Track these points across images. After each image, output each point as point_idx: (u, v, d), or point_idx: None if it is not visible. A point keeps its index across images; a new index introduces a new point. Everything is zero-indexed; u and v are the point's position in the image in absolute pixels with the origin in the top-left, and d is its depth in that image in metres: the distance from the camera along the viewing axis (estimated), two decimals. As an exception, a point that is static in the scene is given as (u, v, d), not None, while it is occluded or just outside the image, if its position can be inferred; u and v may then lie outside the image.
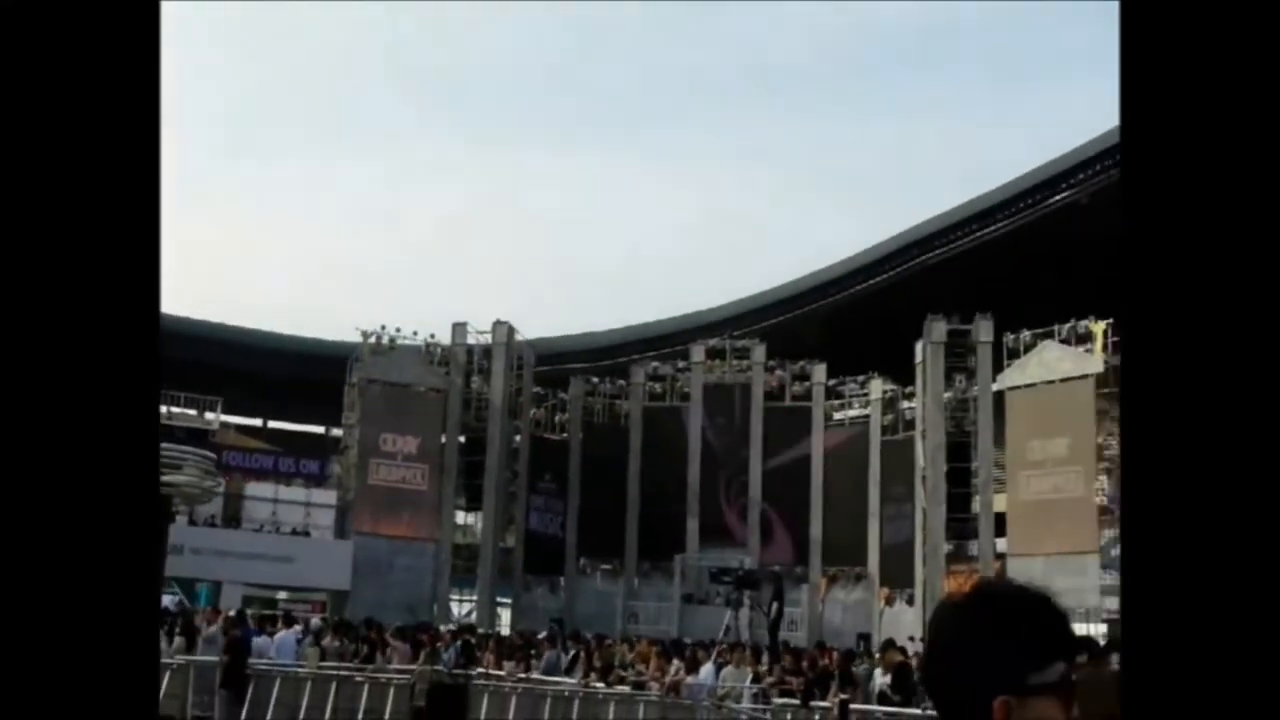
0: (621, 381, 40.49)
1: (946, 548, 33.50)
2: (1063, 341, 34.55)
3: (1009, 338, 35.38)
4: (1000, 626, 1.63)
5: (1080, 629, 25.04)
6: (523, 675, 19.48)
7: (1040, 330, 34.94)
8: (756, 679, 17.69)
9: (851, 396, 39.17)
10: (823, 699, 16.02)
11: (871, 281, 55.35)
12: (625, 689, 18.35)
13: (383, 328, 36.98)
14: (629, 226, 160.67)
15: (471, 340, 37.96)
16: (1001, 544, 34.42)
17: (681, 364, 40.62)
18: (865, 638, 30.77)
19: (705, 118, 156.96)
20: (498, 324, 37.89)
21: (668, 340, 54.07)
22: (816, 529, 37.02)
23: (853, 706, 15.44)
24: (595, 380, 40.64)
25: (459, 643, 20.89)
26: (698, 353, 40.36)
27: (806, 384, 39.20)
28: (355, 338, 37.15)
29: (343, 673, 18.39)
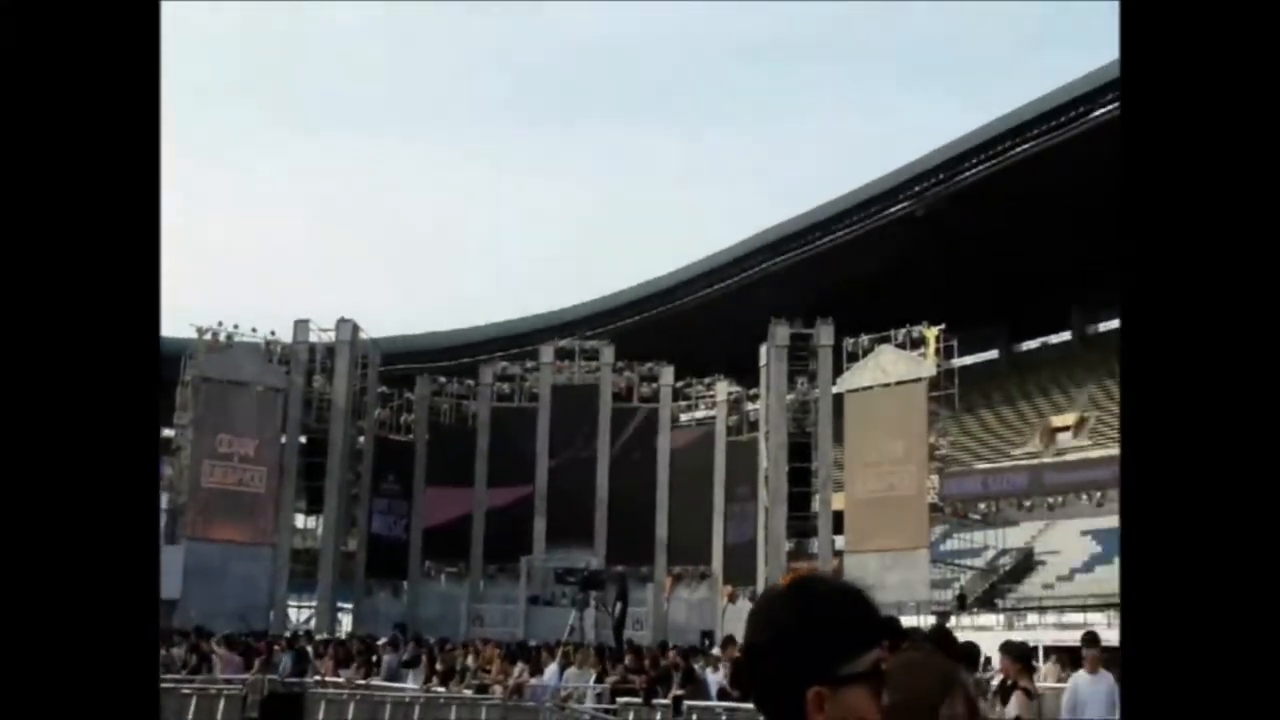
0: (469, 382, 40.10)
1: (788, 545, 34.31)
2: (898, 346, 35.79)
3: (848, 342, 36.48)
4: (815, 618, 1.66)
5: (911, 621, 26.00)
6: (361, 682, 19.09)
7: (877, 335, 36.14)
8: (600, 679, 17.75)
9: (698, 398, 39.74)
10: (665, 697, 16.19)
11: (718, 286, 56.39)
12: (468, 693, 18.19)
13: (220, 324, 35.69)
14: (478, 225, 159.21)
15: (314, 338, 36.96)
16: (840, 541, 35.48)
17: (530, 364, 40.49)
18: (709, 635, 31.22)
19: (558, 122, 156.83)
20: (342, 321, 37.03)
21: (516, 341, 53.87)
22: (662, 529, 37.42)
23: (694, 703, 15.66)
24: (442, 380, 40.14)
25: (294, 650, 20.32)
26: (547, 353, 40.31)
27: (654, 385, 39.57)
28: (189, 333, 35.72)
29: (168, 684, 17.68)
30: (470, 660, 21.05)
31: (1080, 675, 9.69)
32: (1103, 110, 45.59)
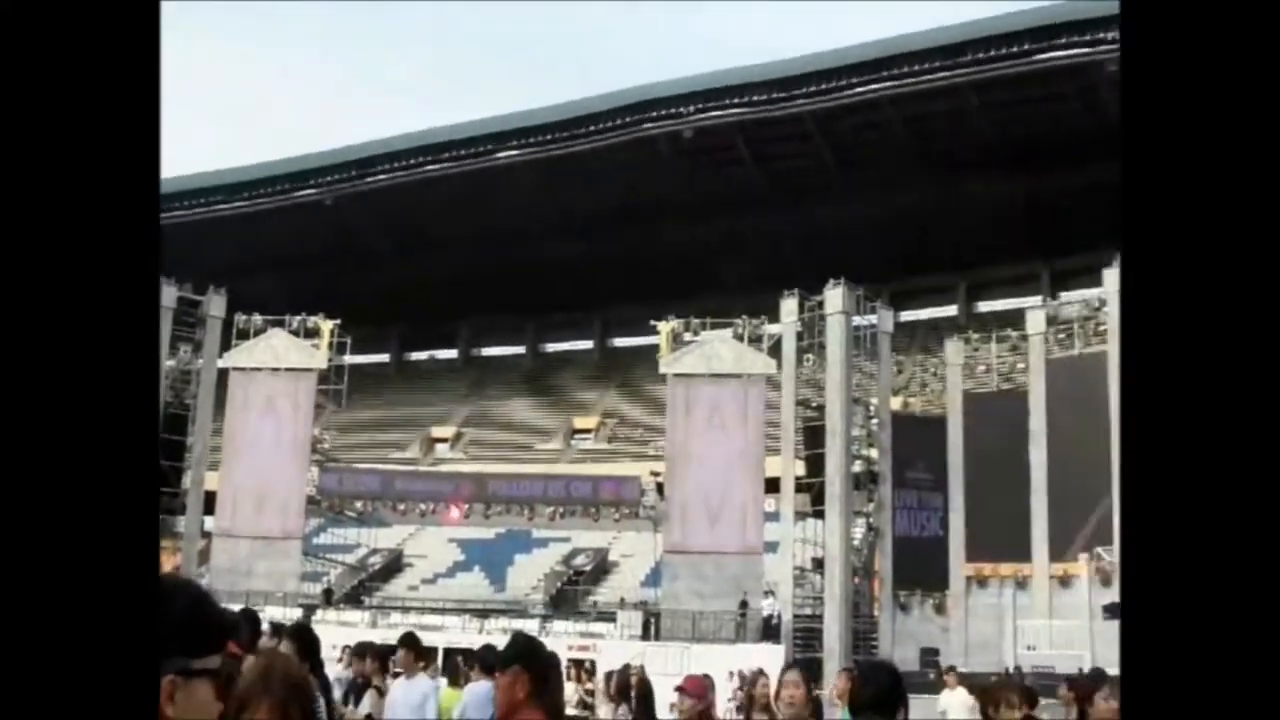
0: None
1: (152, 522, 31.91)
2: (293, 333, 35.33)
3: (240, 318, 35.22)
4: (168, 617, 1.85)
5: (278, 612, 25.70)
6: None
7: (272, 318, 35.36)
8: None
9: (64, 348, 35.49)
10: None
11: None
12: None
13: None
14: None
15: None
16: (210, 522, 33.83)
17: None
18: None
19: None
20: None
21: None
22: None
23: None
24: None
25: None
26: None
27: (12, 326, 34.60)
28: None
29: None
30: None
31: (400, 679, 8.99)
32: (509, 153, 49.60)
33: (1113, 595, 26.49)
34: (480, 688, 7.87)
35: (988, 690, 4.73)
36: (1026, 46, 44.38)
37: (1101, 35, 42.69)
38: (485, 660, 8.01)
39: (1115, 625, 24.51)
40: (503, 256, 52.71)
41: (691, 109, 49.46)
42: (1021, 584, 28.82)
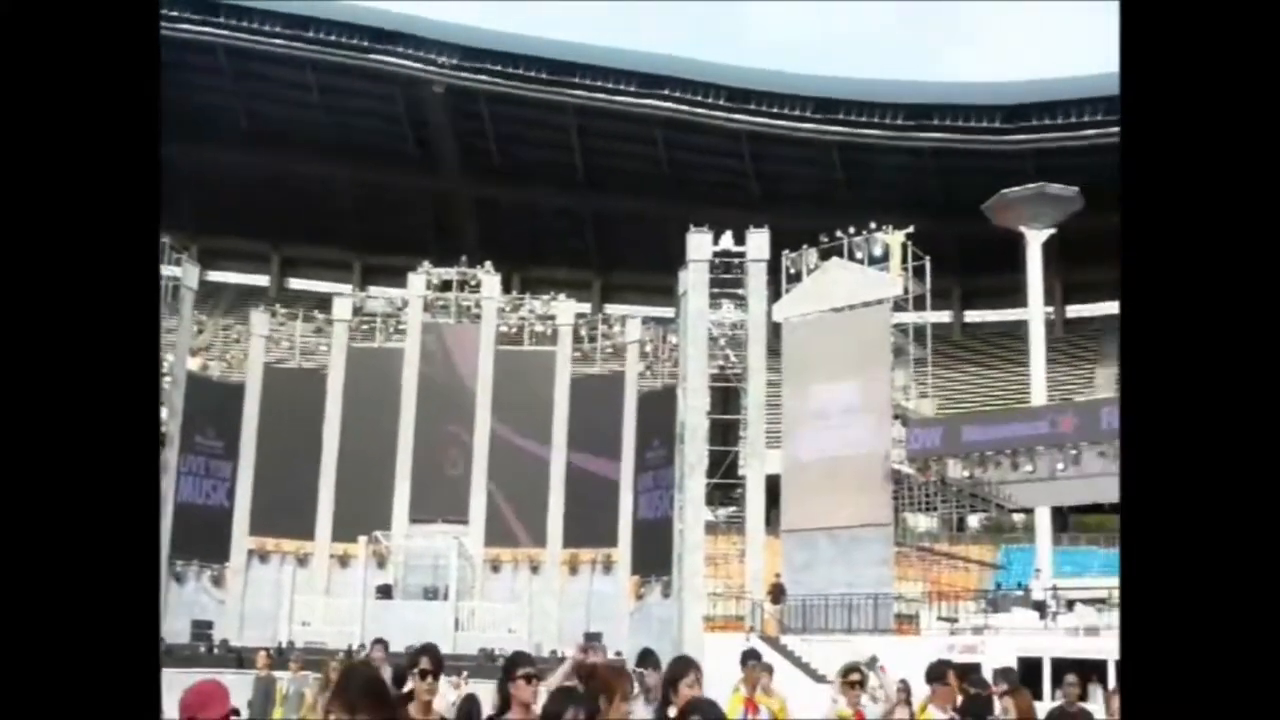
0: None
1: None
2: None
3: None
4: None
5: None
6: None
7: None
8: None
9: None
10: None
11: None
12: None
13: None
14: None
15: None
16: None
17: None
18: None
19: None
20: None
21: None
22: None
23: None
24: None
25: None
26: None
27: None
28: None
29: None
30: None
31: None
32: None
33: (385, 577, 28.44)
34: None
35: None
36: (365, 42, 45.58)
37: (432, 56, 45.53)
38: None
39: (385, 605, 26.59)
40: None
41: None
42: (303, 561, 29.63)
